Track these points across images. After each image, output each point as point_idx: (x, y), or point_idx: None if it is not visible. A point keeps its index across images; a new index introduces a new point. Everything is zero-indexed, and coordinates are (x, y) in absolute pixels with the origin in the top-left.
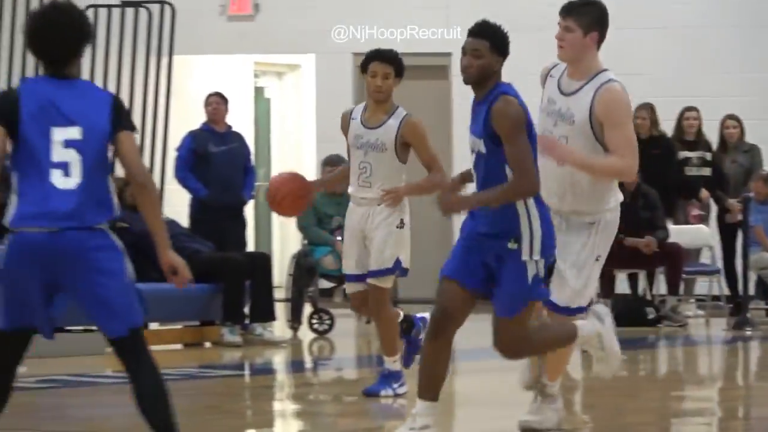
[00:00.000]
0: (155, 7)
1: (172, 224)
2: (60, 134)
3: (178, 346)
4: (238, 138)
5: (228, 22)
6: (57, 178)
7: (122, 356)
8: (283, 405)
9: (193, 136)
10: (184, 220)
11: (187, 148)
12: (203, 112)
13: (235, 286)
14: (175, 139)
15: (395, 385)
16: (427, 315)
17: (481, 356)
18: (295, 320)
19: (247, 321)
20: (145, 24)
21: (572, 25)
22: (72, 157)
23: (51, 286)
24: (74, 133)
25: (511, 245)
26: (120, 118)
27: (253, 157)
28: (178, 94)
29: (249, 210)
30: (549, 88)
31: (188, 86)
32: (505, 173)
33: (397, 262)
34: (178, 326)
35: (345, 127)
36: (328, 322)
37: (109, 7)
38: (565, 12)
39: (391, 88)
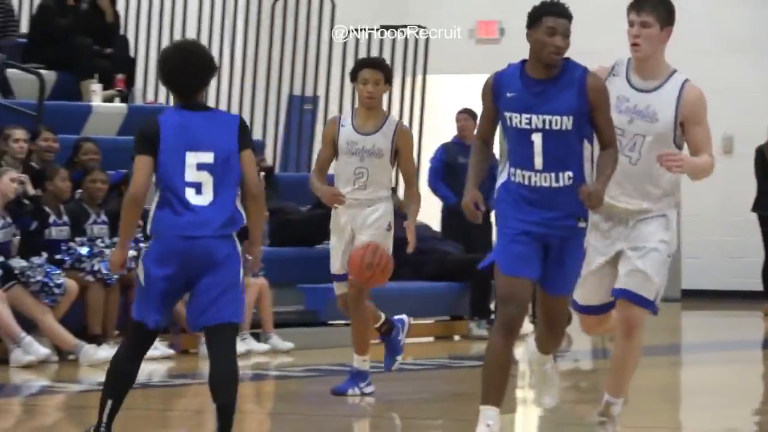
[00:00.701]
0: (411, 31)
1: (424, 228)
2: (193, 158)
3: (430, 339)
4: None
5: (476, 44)
6: (191, 196)
7: (210, 342)
8: (524, 392)
9: (444, 148)
10: (435, 225)
11: (439, 160)
12: (454, 127)
13: (481, 284)
14: (429, 151)
15: (362, 384)
16: (405, 317)
17: (708, 349)
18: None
19: (492, 316)
20: (402, 46)
21: (650, 19)
22: (204, 178)
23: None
24: (206, 157)
25: (581, 224)
26: (244, 139)
27: None
28: (431, 110)
29: (494, 215)
30: (617, 86)
31: (440, 103)
32: (582, 147)
33: None
34: (430, 321)
35: (332, 134)
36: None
37: (369, 30)
38: (639, 6)
39: (381, 94)
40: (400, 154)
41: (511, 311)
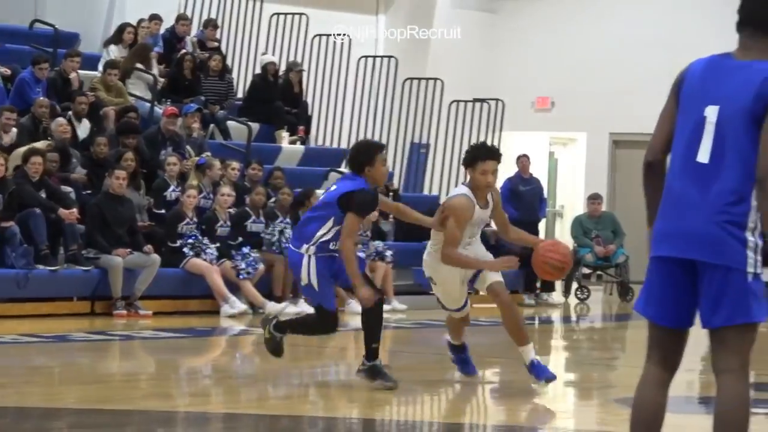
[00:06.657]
0: (493, 103)
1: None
2: None
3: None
4: (537, 182)
5: (535, 112)
6: None
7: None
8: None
9: (509, 181)
10: None
11: (506, 188)
12: (515, 166)
13: (531, 271)
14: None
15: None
16: None
17: None
18: (566, 292)
19: (537, 292)
20: (486, 111)
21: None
22: None
23: None
24: None
25: None
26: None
27: (545, 193)
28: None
29: (542, 224)
30: None
31: (511, 150)
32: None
33: None
34: None
35: (471, 212)
36: (586, 293)
37: (465, 102)
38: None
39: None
40: (496, 207)
41: None
